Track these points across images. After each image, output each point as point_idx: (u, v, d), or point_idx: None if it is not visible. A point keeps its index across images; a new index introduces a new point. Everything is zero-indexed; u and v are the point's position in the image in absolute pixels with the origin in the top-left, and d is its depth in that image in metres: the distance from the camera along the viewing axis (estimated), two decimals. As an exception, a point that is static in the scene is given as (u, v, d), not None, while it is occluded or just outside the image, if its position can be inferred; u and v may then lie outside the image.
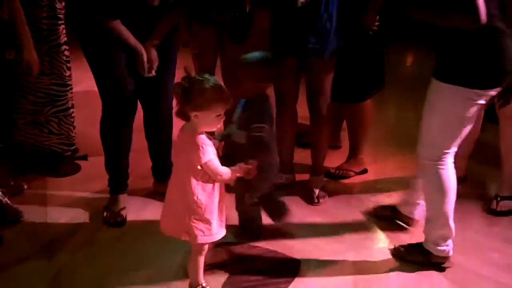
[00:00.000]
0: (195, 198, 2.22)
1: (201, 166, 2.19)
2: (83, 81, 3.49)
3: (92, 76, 2.86)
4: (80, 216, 3.00)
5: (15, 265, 2.60)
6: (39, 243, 2.77)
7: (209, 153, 2.19)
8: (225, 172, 2.26)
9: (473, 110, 2.42)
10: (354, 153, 3.54)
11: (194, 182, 2.22)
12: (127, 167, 3.01)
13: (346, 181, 3.47)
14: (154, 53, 2.77)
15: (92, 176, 3.31)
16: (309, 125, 3.24)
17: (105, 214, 2.95)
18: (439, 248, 2.62)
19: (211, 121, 2.18)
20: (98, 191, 3.17)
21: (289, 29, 2.94)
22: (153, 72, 2.80)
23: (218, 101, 2.16)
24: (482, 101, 2.42)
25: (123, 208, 2.97)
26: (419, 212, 2.86)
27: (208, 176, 2.23)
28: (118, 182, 3.01)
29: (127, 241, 2.80)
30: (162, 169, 3.15)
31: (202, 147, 2.17)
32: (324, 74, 3.02)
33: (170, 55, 2.91)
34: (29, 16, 2.99)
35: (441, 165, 2.52)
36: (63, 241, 2.79)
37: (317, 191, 3.20)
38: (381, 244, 2.83)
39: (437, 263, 2.64)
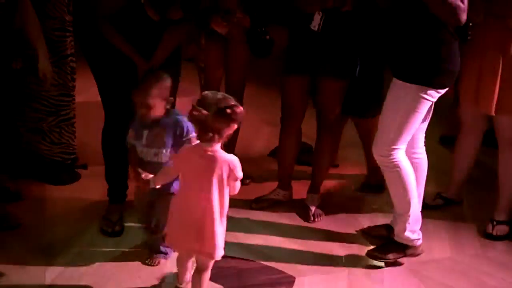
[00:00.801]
0: (225, 213, 2.26)
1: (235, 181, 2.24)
2: (85, 91, 3.51)
3: (94, 86, 2.90)
4: (77, 224, 3.01)
5: (12, 270, 2.62)
6: (37, 250, 2.78)
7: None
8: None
9: (424, 107, 2.61)
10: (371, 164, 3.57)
11: (227, 197, 2.26)
12: (126, 177, 3.02)
13: (343, 199, 3.48)
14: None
15: (91, 185, 3.32)
16: (310, 144, 3.27)
17: (103, 223, 2.97)
18: (414, 237, 2.76)
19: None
20: (97, 200, 3.19)
21: (304, 48, 2.98)
22: None
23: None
24: (432, 100, 2.61)
25: (121, 218, 2.98)
26: None
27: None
28: (117, 192, 3.02)
29: (123, 251, 2.81)
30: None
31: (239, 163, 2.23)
32: (335, 94, 3.06)
33: (174, 69, 2.91)
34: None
35: (395, 159, 2.65)
36: (61, 248, 2.80)
37: (313, 209, 3.22)
38: (375, 262, 2.84)
39: (412, 255, 2.79)
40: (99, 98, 2.92)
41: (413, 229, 2.76)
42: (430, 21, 2.49)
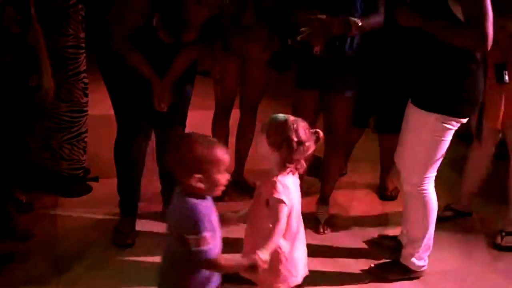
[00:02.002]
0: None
1: None
2: (98, 105, 3.56)
3: (106, 99, 2.93)
4: (89, 236, 3.04)
5: (24, 282, 2.64)
6: (48, 262, 2.81)
7: None
8: None
9: (450, 135, 2.56)
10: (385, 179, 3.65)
11: None
12: (138, 190, 3.06)
13: (352, 212, 3.49)
14: (168, 91, 2.81)
15: (103, 198, 3.35)
16: (319, 156, 3.29)
17: (114, 235, 2.99)
18: (420, 264, 2.76)
19: None
20: (108, 212, 3.21)
21: (313, 63, 2.99)
22: (165, 108, 2.84)
23: None
24: (454, 128, 2.55)
25: (133, 230, 3.01)
26: None
27: None
28: (129, 204, 3.05)
29: (136, 263, 2.83)
30: (172, 194, 3.19)
31: None
32: (344, 109, 3.08)
33: (187, 84, 2.97)
34: (53, 44, 3.10)
35: (424, 189, 2.65)
36: (72, 260, 2.82)
37: (322, 220, 3.24)
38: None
39: (414, 277, 2.80)
40: (110, 112, 2.95)
41: (421, 256, 2.77)
42: (455, 48, 2.42)
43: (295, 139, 2.16)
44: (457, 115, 2.52)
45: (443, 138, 2.55)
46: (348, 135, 3.22)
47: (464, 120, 2.56)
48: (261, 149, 2.25)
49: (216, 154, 1.90)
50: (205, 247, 1.84)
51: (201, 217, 1.85)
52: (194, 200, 1.88)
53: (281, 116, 2.24)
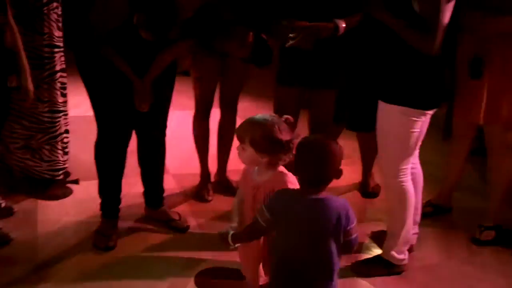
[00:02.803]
0: None
1: None
2: (80, 106, 3.53)
3: (86, 100, 2.90)
4: (70, 240, 3.01)
5: (3, 287, 2.61)
6: (28, 266, 2.77)
7: None
8: None
9: (418, 127, 2.61)
10: (366, 176, 3.68)
11: None
12: (119, 192, 3.04)
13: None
14: (148, 90, 2.80)
15: (83, 200, 3.33)
16: None
17: (96, 238, 2.97)
18: (400, 257, 2.80)
19: None
20: (89, 215, 3.19)
21: (295, 60, 3.00)
22: (146, 108, 2.83)
23: None
24: (420, 119, 2.59)
25: (115, 233, 2.99)
26: (414, 236, 2.94)
27: None
28: (110, 206, 3.03)
29: (117, 265, 2.81)
30: (154, 195, 3.19)
31: None
32: (327, 105, 3.10)
33: (167, 85, 2.96)
34: (29, 43, 3.06)
35: (402, 181, 2.70)
36: (53, 264, 2.79)
37: None
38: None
39: (396, 272, 2.83)
40: (90, 113, 2.93)
41: (400, 249, 2.80)
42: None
43: (284, 140, 2.20)
44: (419, 106, 2.57)
45: (411, 130, 2.60)
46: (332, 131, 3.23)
47: (430, 112, 2.61)
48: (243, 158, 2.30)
49: None
50: None
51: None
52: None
53: (258, 118, 2.25)
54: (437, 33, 2.43)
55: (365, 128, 3.41)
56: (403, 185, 2.71)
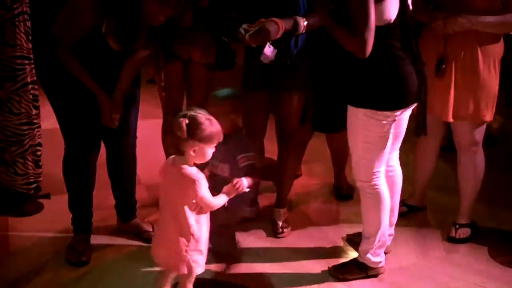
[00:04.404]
0: (191, 230, 2.29)
1: (196, 199, 2.27)
2: (48, 118, 3.47)
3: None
4: (43, 255, 2.97)
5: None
6: (2, 283, 2.73)
7: (204, 186, 2.29)
8: (218, 202, 2.37)
9: (385, 129, 2.59)
10: (339, 178, 3.68)
11: (189, 214, 2.29)
12: (90, 205, 2.99)
13: (309, 213, 3.51)
14: (120, 104, 2.77)
15: (55, 215, 3.27)
16: (274, 159, 3.30)
17: (68, 253, 2.92)
18: (376, 260, 2.80)
19: (207, 154, 2.31)
20: (61, 230, 3.14)
21: (260, 65, 2.95)
22: (116, 124, 2.80)
23: (216, 134, 2.30)
24: (391, 121, 2.58)
25: (87, 247, 2.95)
26: (389, 238, 2.94)
27: (201, 208, 2.32)
28: (82, 221, 2.99)
29: (91, 281, 2.78)
30: (126, 208, 3.15)
31: (198, 181, 2.26)
32: (294, 108, 3.08)
33: (133, 93, 2.92)
34: (0, 55, 3.05)
35: (375, 184, 2.69)
36: (26, 281, 2.75)
37: (280, 223, 3.24)
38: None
39: (373, 275, 2.83)
40: (59, 125, 2.90)
41: (376, 252, 2.80)
42: (374, 44, 2.45)
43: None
44: (383, 108, 2.55)
45: (379, 133, 2.59)
46: (297, 135, 3.22)
47: (396, 113, 2.57)
48: None
49: None
50: None
51: None
52: None
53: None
54: (365, 35, 2.38)
55: (332, 129, 3.42)
56: (376, 189, 2.70)
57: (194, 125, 2.24)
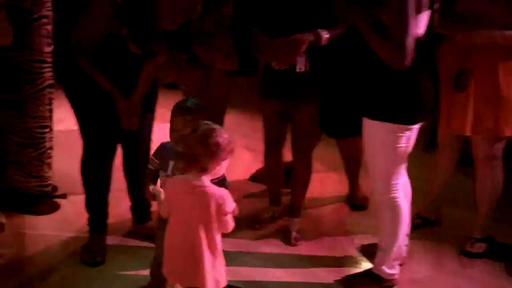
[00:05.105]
0: (218, 246, 2.23)
1: (223, 217, 2.18)
2: (64, 120, 3.52)
3: (72, 116, 2.90)
4: (58, 255, 2.99)
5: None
6: (16, 282, 2.75)
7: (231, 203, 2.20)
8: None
9: (404, 141, 2.59)
10: (353, 188, 3.66)
11: (216, 231, 2.21)
12: (106, 206, 3.02)
13: (321, 220, 3.51)
14: (138, 107, 2.79)
15: (71, 215, 3.30)
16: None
17: (83, 253, 2.95)
18: (391, 272, 2.78)
19: (223, 168, 2.21)
20: (77, 230, 3.17)
21: (278, 75, 2.98)
22: (136, 126, 2.80)
23: (232, 150, 2.19)
24: (408, 134, 2.59)
25: (103, 248, 2.97)
26: (405, 248, 2.92)
27: (224, 225, 2.22)
28: (98, 221, 3.01)
29: (105, 281, 2.80)
30: (141, 210, 3.17)
31: (228, 199, 2.18)
32: (310, 118, 3.09)
33: (150, 98, 2.94)
34: (18, 58, 3.09)
35: (394, 197, 2.68)
36: (41, 280, 2.78)
37: (294, 233, 3.24)
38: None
39: (388, 287, 2.80)
40: (76, 127, 2.91)
41: (392, 264, 2.78)
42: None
43: None
44: (402, 122, 2.55)
45: (397, 145, 2.59)
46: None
47: (414, 126, 2.59)
48: None
49: None
50: None
51: None
52: None
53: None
54: (406, 47, 2.38)
55: (342, 134, 3.41)
56: (396, 201, 2.68)
57: (216, 145, 2.12)
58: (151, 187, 2.45)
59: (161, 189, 2.39)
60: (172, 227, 2.25)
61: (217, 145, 2.11)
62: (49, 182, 3.44)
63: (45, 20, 3.16)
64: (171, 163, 2.44)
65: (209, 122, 2.21)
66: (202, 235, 2.18)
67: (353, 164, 3.60)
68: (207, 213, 2.16)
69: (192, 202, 2.18)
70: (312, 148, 3.22)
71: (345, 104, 3.18)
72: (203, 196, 2.16)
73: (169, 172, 2.45)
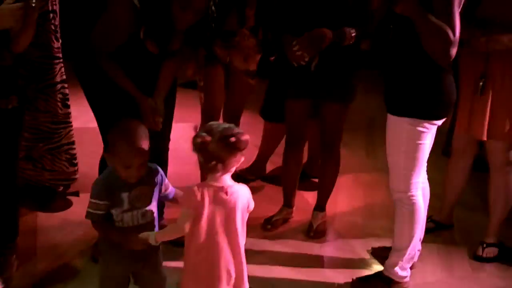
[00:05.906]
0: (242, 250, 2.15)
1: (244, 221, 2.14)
2: (79, 117, 3.51)
3: (88, 112, 2.89)
4: (69, 252, 3.00)
5: (2, 301, 2.60)
6: (27, 279, 2.76)
7: None
8: None
9: (427, 138, 2.60)
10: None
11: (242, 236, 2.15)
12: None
13: (334, 222, 3.49)
14: (162, 106, 2.76)
15: (83, 213, 3.29)
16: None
17: (94, 251, 2.93)
18: (403, 274, 2.77)
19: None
20: (89, 227, 3.15)
21: (306, 73, 2.99)
22: (159, 126, 2.76)
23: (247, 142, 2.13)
24: (432, 130, 2.60)
25: (114, 246, 2.97)
26: (417, 253, 2.91)
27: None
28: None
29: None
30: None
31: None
32: (338, 118, 3.12)
33: (169, 97, 2.93)
34: (24, 55, 3.01)
35: (413, 195, 2.68)
36: (52, 277, 2.79)
37: (315, 226, 3.28)
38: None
39: None
40: (90, 124, 2.91)
41: (404, 266, 2.78)
42: (421, 53, 2.47)
43: None
44: (428, 117, 2.57)
45: (420, 142, 2.59)
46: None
47: (439, 122, 2.61)
48: None
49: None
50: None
51: None
52: None
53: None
54: (452, 38, 2.39)
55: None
56: (414, 200, 2.68)
57: (239, 142, 2.06)
58: (139, 235, 2.18)
59: (152, 232, 2.22)
60: (195, 240, 2.12)
61: (240, 141, 2.06)
62: (69, 178, 3.40)
63: (52, 15, 3.13)
64: (125, 195, 2.19)
65: (217, 123, 2.20)
66: (240, 240, 2.12)
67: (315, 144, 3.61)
68: (234, 214, 2.09)
69: (223, 207, 2.08)
70: (339, 143, 3.23)
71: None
72: (233, 195, 2.09)
73: (125, 206, 2.20)
